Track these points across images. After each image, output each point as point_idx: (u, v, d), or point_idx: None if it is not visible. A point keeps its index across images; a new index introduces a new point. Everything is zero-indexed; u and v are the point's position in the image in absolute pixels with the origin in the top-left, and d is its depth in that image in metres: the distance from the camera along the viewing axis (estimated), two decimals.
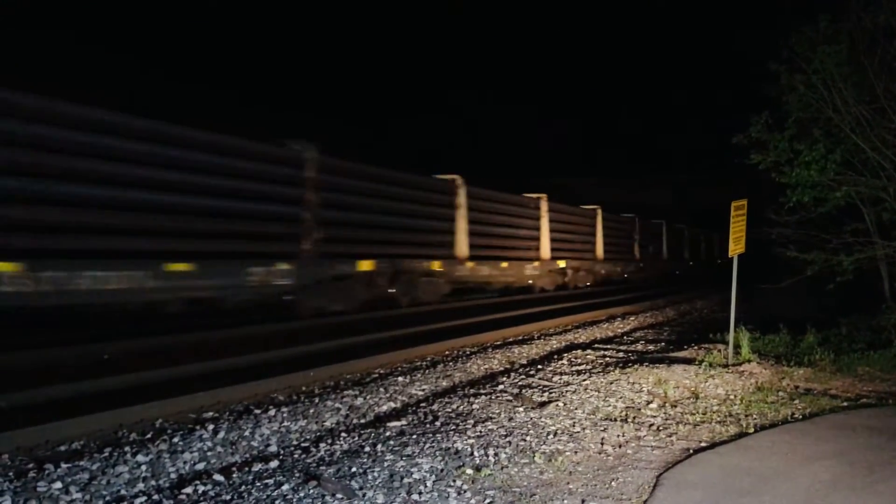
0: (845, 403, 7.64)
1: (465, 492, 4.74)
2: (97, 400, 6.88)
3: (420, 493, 4.68)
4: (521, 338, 12.94)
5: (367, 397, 7.64)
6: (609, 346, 11.81)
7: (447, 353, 11.00)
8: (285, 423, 6.57)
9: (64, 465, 5.24)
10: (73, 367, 8.31)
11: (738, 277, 9.94)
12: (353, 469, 5.03)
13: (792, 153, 11.43)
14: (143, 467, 5.32)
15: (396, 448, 5.54)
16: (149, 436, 6.21)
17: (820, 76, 10.77)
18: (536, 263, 21.61)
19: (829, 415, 7.07)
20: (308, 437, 6.31)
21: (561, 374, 8.84)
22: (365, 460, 5.23)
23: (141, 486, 5.03)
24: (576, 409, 6.96)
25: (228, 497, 4.59)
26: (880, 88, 10.25)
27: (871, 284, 12.58)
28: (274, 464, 5.26)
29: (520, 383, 8.15)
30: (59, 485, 4.90)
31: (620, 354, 10.77)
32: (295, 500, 4.49)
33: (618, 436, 6.17)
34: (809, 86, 10.97)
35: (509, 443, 5.76)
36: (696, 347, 10.85)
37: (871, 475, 5.12)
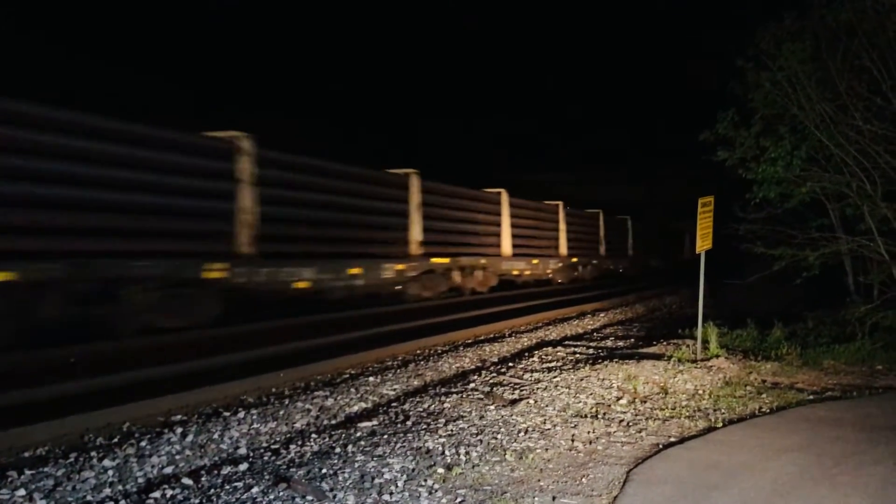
0: (811, 396, 7.75)
1: (436, 491, 4.73)
2: (63, 404, 6.77)
3: (391, 494, 4.66)
4: (492, 336, 12.96)
5: (338, 398, 7.60)
6: (579, 343, 11.87)
7: (419, 352, 10.99)
8: (255, 426, 6.51)
9: (28, 472, 5.14)
10: (38, 370, 8.17)
11: (705, 273, 10.04)
12: (324, 470, 5.00)
13: (758, 150, 11.58)
14: (110, 472, 5.24)
15: (367, 448, 5.51)
16: (116, 440, 6.12)
17: (785, 73, 10.91)
18: (401, 264, 16.22)
19: (795, 408, 7.16)
20: (278, 438, 6.26)
21: (532, 371, 8.86)
22: (335, 461, 5.20)
23: (107, 491, 4.96)
24: (546, 406, 6.98)
25: (197, 501, 4.53)
26: (843, 86, 10.41)
27: (836, 279, 12.79)
28: (243, 466, 5.20)
29: (491, 381, 8.15)
30: (22, 492, 4.81)
31: (590, 351, 10.83)
32: (265, 502, 4.45)
33: (588, 432, 6.20)
34: (775, 83, 11.11)
35: (480, 441, 5.76)
36: (665, 343, 10.94)
37: (837, 467, 5.19)
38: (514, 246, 22.18)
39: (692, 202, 9.87)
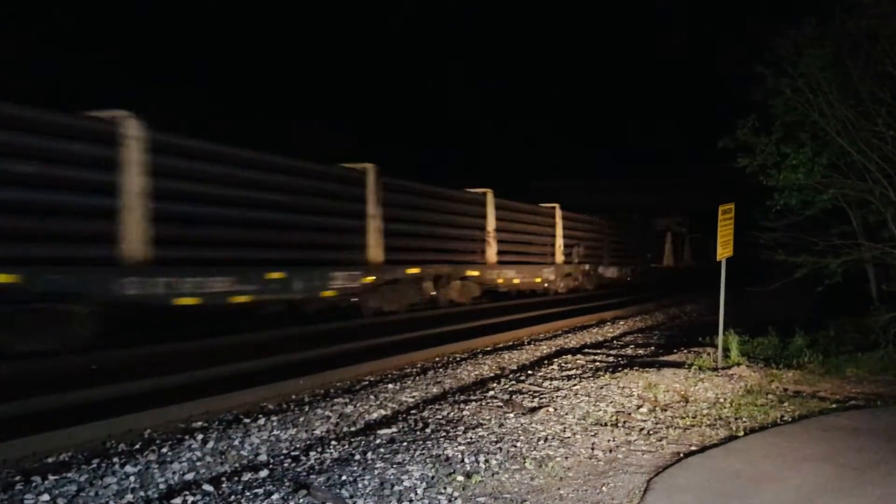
0: (834, 405, 7.67)
1: (455, 499, 4.72)
2: (85, 411, 6.83)
3: (411, 501, 4.66)
4: (511, 343, 12.94)
5: (358, 405, 7.61)
6: (599, 351, 11.82)
7: (437, 359, 10.98)
8: (275, 432, 6.54)
9: (51, 478, 5.19)
10: (60, 377, 8.25)
11: (726, 281, 9.98)
12: (344, 477, 5.01)
13: (779, 156, 11.50)
14: (132, 478, 5.28)
15: (387, 455, 5.52)
16: (137, 446, 6.17)
17: (805, 80, 10.84)
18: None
19: (818, 417, 7.09)
20: (298, 445, 6.28)
21: (551, 379, 8.83)
22: (355, 468, 5.21)
23: (129, 497, 4.99)
24: (566, 414, 6.96)
25: None
26: (865, 91, 10.33)
27: (858, 286, 12.66)
28: (263, 473, 5.23)
29: (510, 389, 8.14)
30: (46, 497, 4.86)
31: (610, 359, 10.78)
32: None
33: (608, 440, 6.17)
34: (795, 89, 11.04)
35: (500, 449, 5.75)
36: (685, 351, 10.87)
37: (861, 477, 5.14)
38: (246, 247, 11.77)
39: (702, 207, 9.82)
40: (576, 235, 25.20)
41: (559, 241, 23.83)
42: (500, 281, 19.94)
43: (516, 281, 20.79)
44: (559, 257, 23.84)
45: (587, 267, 26.14)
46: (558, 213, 23.92)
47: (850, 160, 10.97)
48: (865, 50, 10.40)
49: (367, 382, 9.08)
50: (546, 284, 23.04)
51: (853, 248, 11.50)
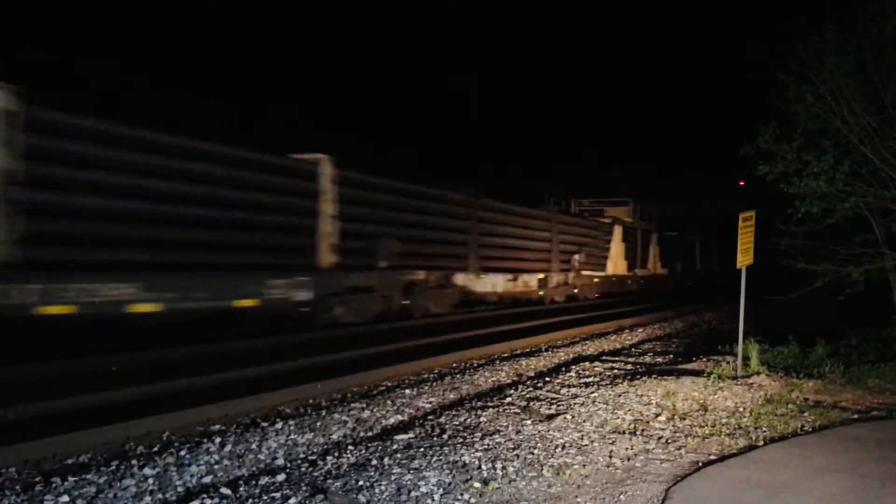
0: (856, 416, 7.58)
1: None
2: (105, 413, 6.88)
3: None
4: (528, 350, 12.90)
5: (375, 410, 7.62)
6: (617, 358, 11.76)
7: (455, 365, 10.97)
8: (292, 436, 6.55)
9: (71, 479, 5.23)
10: (80, 379, 8.31)
11: (745, 290, 9.90)
12: (361, 482, 5.01)
13: (800, 164, 11.40)
14: (150, 481, 5.31)
15: (404, 461, 5.51)
16: (156, 449, 6.20)
17: (828, 87, 10.74)
18: None
19: (839, 427, 7.01)
20: (315, 450, 6.29)
21: (569, 386, 8.80)
22: (372, 473, 5.21)
23: (148, 499, 5.02)
24: (584, 421, 6.93)
25: None
26: (888, 99, 10.23)
27: (880, 296, 12.52)
28: (281, 477, 5.23)
29: (528, 396, 8.11)
30: (65, 498, 4.90)
31: (629, 366, 10.72)
32: None
33: (626, 449, 6.13)
34: (817, 96, 10.94)
35: (517, 456, 5.73)
36: (704, 359, 10.79)
37: (883, 488, 5.07)
38: None
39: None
40: (389, 219, 14.64)
41: (329, 228, 13.06)
42: (42, 310, 8.46)
43: (147, 309, 9.61)
44: (327, 258, 13.01)
45: (421, 276, 15.84)
46: (326, 171, 13.07)
47: (873, 168, 10.86)
48: (890, 57, 10.30)
49: (384, 388, 9.09)
50: (306, 308, 12.54)
51: (875, 256, 11.38)
